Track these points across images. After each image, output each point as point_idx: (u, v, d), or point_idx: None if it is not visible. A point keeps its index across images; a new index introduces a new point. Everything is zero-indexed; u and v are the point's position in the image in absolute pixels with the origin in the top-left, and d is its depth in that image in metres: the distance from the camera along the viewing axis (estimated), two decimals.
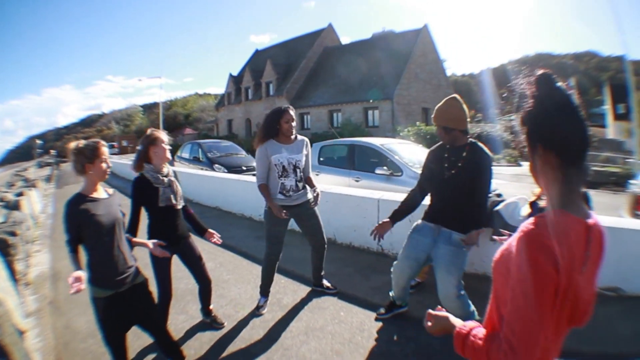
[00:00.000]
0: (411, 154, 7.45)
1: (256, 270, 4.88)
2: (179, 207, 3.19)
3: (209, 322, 3.58)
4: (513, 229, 3.76)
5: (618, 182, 13.32)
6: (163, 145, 3.07)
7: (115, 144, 52.30)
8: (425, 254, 3.18)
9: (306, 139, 3.91)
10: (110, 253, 2.34)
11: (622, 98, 37.54)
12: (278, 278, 4.57)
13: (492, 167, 3.07)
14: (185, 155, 14.31)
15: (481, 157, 3.03)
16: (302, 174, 3.78)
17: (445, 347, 3.14)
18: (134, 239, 2.67)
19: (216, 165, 12.40)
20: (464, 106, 3.08)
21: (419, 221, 3.34)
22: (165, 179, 3.08)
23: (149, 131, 3.15)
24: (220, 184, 9.50)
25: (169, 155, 3.11)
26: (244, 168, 12.36)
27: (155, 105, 58.28)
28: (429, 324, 1.35)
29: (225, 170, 11.87)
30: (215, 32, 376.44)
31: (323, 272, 4.23)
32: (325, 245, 4.06)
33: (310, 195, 3.86)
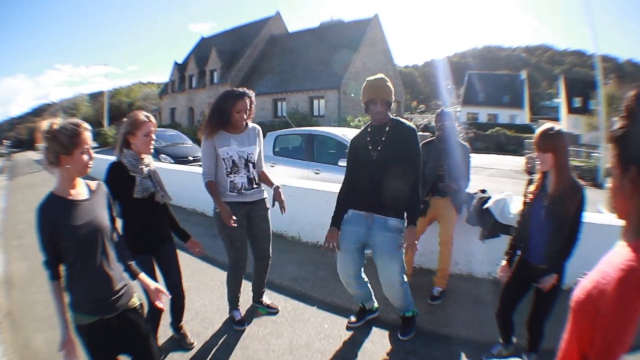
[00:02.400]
0: None
1: (218, 275, 4.43)
2: (161, 201, 2.70)
3: (178, 339, 3.09)
4: (504, 228, 3.58)
5: (582, 176, 13.73)
6: (144, 135, 2.56)
7: None
8: (361, 243, 3.03)
9: (258, 127, 3.31)
10: (92, 272, 1.80)
11: (578, 92, 39.60)
12: (246, 285, 4.07)
13: (419, 142, 2.95)
14: None
15: (405, 129, 2.94)
16: (254, 169, 3.22)
17: (446, 359, 2.89)
18: (135, 269, 2.08)
19: (162, 155, 11.75)
20: None
21: (349, 212, 3.09)
22: (145, 168, 2.59)
23: (133, 113, 2.64)
24: (168, 176, 8.71)
25: (150, 146, 2.62)
26: (191, 158, 11.84)
27: (100, 94, 56.40)
28: None
29: (172, 161, 11.28)
30: (155, 20, 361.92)
31: (264, 289, 3.71)
32: (270, 258, 3.50)
33: (266, 194, 3.36)
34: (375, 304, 3.44)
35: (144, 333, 2.04)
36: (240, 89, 3.08)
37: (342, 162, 6.42)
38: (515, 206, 3.81)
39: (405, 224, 2.91)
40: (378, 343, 3.10)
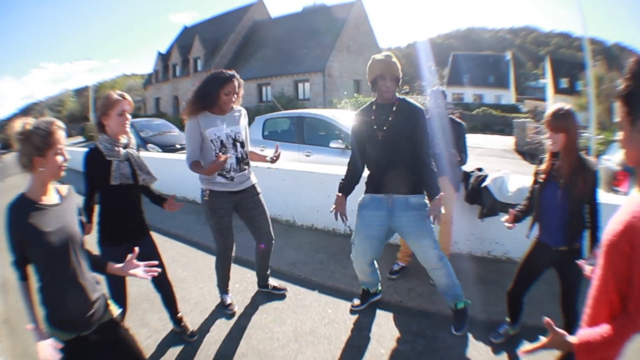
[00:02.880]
0: None
1: (214, 263, 4.33)
2: (144, 184, 2.56)
3: (179, 331, 2.97)
4: (502, 205, 3.52)
5: None
6: (118, 114, 2.38)
7: None
8: (385, 228, 2.89)
9: (242, 109, 3.23)
10: (65, 283, 1.66)
11: (564, 73, 39.75)
12: (243, 272, 4.05)
13: (426, 120, 2.85)
14: None
15: (413, 109, 2.81)
16: (242, 149, 3.10)
17: (457, 340, 2.85)
18: (113, 267, 1.90)
19: (150, 144, 11.62)
20: None
21: (363, 196, 3.01)
22: (122, 151, 2.42)
23: (106, 94, 2.46)
24: (157, 165, 8.56)
25: (126, 125, 2.44)
26: (178, 146, 11.69)
27: (85, 89, 56.04)
28: (548, 339, 1.25)
29: (160, 150, 11.15)
30: (135, 12, 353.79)
31: (269, 271, 3.66)
32: (273, 241, 3.44)
33: (255, 179, 3.30)
34: (379, 287, 3.38)
35: (128, 345, 1.90)
36: (229, 72, 2.97)
37: (334, 144, 6.33)
38: (513, 184, 3.77)
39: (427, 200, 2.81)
40: (384, 326, 3.05)
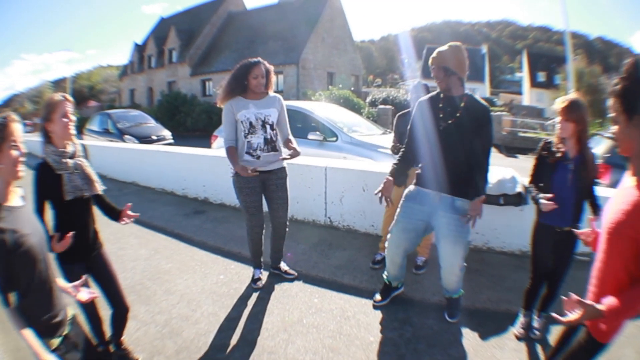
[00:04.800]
0: (343, 117, 7.15)
1: (198, 254, 4.35)
2: (92, 193, 2.31)
3: (121, 355, 2.59)
4: (495, 199, 3.63)
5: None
6: (62, 117, 2.15)
7: (28, 122, 47.98)
8: (424, 223, 2.87)
9: (279, 96, 3.42)
10: (47, 289, 1.58)
11: (542, 66, 40.28)
12: (227, 264, 4.08)
13: (492, 122, 2.78)
14: (95, 127, 13.13)
15: (481, 109, 2.71)
16: (272, 131, 3.29)
17: (443, 327, 2.94)
18: (65, 285, 1.80)
19: (126, 136, 11.51)
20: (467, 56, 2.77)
21: (412, 187, 2.97)
22: (71, 162, 2.21)
23: (48, 97, 2.22)
24: (135, 156, 8.43)
25: (71, 129, 2.20)
26: (154, 137, 11.72)
27: (63, 80, 54.90)
28: (577, 313, 1.35)
29: (137, 141, 11.01)
30: (108, 3, 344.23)
31: (282, 256, 3.81)
32: (287, 224, 3.62)
33: (284, 163, 3.46)
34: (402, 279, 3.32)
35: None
36: (255, 58, 3.21)
37: (312, 136, 6.38)
38: (493, 176, 3.86)
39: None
40: (370, 314, 3.10)
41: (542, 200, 2.50)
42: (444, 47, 2.75)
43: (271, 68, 3.30)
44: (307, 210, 5.33)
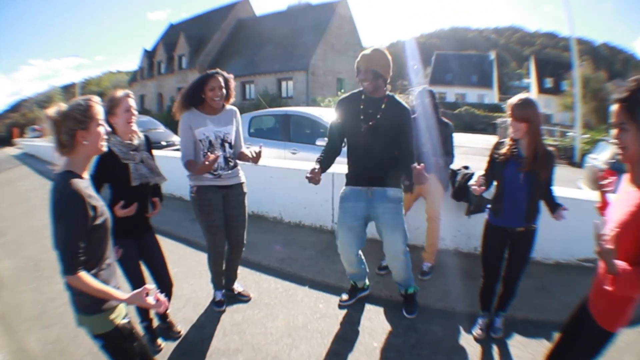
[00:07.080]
0: None
1: (204, 259, 4.25)
2: (157, 182, 2.68)
3: (164, 328, 2.95)
4: (488, 202, 3.63)
5: (558, 155, 14.06)
6: (124, 111, 2.44)
7: (37, 127, 48.46)
8: (364, 218, 3.00)
9: (235, 109, 3.27)
10: (113, 264, 1.78)
11: (549, 72, 40.16)
12: (241, 270, 4.05)
13: (412, 121, 2.96)
14: None
15: (401, 110, 2.86)
16: (231, 149, 3.17)
17: (448, 333, 2.93)
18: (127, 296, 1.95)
19: None
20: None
21: (344, 188, 3.08)
22: (137, 155, 2.51)
23: (110, 93, 2.50)
24: None
25: (132, 123, 2.49)
26: (164, 143, 11.58)
27: (72, 85, 56.01)
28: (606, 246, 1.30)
29: None
30: (114, 10, 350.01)
31: (236, 276, 3.60)
32: (245, 245, 3.43)
33: (244, 179, 3.33)
34: (367, 282, 3.45)
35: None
36: (214, 70, 3.06)
37: (320, 142, 6.35)
38: None
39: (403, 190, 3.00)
40: (375, 320, 3.11)
41: (473, 187, 2.57)
42: (370, 51, 2.80)
43: (230, 77, 3.13)
44: (314, 216, 5.34)
